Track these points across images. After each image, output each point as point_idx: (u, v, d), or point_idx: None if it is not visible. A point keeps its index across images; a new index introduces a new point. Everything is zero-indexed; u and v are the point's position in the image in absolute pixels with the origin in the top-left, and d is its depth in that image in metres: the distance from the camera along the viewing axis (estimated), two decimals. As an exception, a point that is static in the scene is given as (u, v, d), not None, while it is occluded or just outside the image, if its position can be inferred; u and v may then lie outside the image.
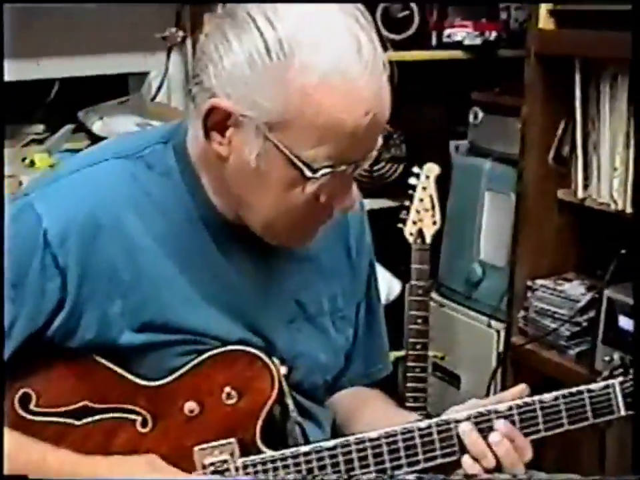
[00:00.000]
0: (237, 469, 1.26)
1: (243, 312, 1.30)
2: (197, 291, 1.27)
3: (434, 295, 2.50)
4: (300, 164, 1.15)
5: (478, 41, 2.30)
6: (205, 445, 1.26)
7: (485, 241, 2.38)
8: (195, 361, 1.27)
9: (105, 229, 1.21)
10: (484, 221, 2.37)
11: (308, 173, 1.15)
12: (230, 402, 1.27)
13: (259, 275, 1.32)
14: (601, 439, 2.09)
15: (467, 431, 1.27)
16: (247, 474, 1.25)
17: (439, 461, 1.28)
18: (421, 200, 2.22)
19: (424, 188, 2.21)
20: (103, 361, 1.26)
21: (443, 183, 2.24)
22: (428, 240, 2.21)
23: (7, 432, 1.19)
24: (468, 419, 1.28)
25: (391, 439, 1.27)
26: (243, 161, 1.18)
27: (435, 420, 1.29)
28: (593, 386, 1.30)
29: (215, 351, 1.27)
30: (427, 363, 2.18)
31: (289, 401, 1.31)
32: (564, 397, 1.29)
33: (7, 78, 1.90)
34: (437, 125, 2.57)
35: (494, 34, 2.34)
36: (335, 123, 1.13)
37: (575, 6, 2.00)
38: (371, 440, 1.27)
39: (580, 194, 2.13)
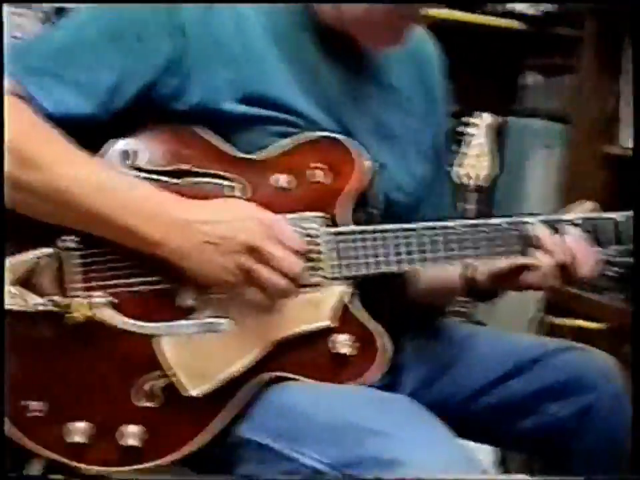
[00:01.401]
0: (325, 236, 1.30)
1: (336, 111, 1.39)
2: (297, 81, 1.35)
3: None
4: None
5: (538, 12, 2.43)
6: (295, 215, 1.31)
7: (535, 194, 2.46)
8: (293, 139, 1.34)
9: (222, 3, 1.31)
10: (534, 175, 2.45)
11: None
12: (322, 180, 1.33)
13: (351, 86, 1.42)
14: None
15: (543, 229, 1.33)
16: (335, 242, 1.30)
17: (516, 254, 1.33)
18: (478, 145, 2.31)
19: (482, 135, 2.31)
20: (204, 131, 1.33)
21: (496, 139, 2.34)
22: (483, 183, 2.29)
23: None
24: (542, 221, 1.34)
25: (466, 229, 1.33)
26: None
27: (514, 219, 1.35)
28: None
29: (312, 134, 1.35)
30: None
31: (378, 193, 1.38)
32: None
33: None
34: (489, 86, 2.68)
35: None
36: None
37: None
38: (456, 227, 1.33)
39: (627, 143, 2.22)
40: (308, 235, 1.30)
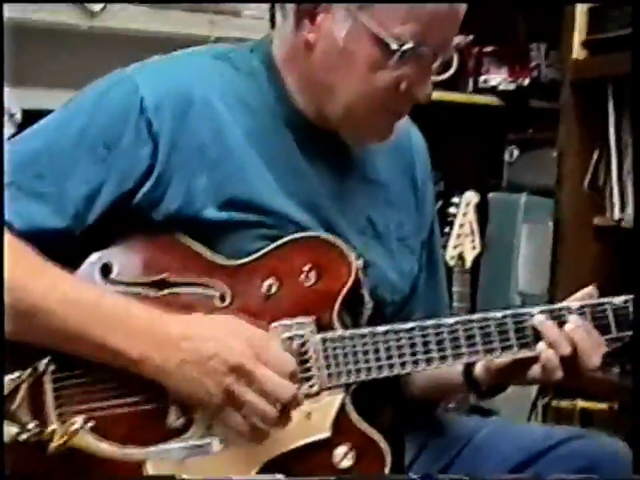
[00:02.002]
0: (315, 344, 1.24)
1: (321, 211, 1.34)
2: (279, 183, 1.31)
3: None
4: (388, 38, 1.22)
5: (512, 87, 2.43)
6: (283, 322, 1.25)
7: (523, 270, 2.42)
8: (277, 243, 1.29)
9: (197, 107, 1.27)
10: (521, 252, 2.41)
11: (394, 46, 1.23)
12: (308, 283, 1.28)
13: (335, 184, 1.37)
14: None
15: (542, 320, 1.28)
16: (325, 349, 1.24)
17: (515, 350, 1.28)
18: (461, 225, 2.28)
19: (464, 214, 2.27)
20: (184, 238, 1.27)
21: (480, 216, 2.30)
22: (468, 264, 2.25)
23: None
24: (541, 312, 1.29)
25: (467, 325, 1.28)
26: (331, 43, 1.25)
27: (510, 311, 1.29)
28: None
29: (296, 235, 1.30)
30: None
31: (365, 292, 1.32)
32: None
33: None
34: (473, 163, 2.66)
35: (527, 80, 2.47)
36: (418, 4, 1.22)
37: (605, 34, 2.13)
38: (449, 325, 1.27)
39: (616, 215, 2.19)
40: (299, 344, 1.23)
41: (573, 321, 1.28)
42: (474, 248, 2.26)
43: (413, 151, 1.48)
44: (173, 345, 1.15)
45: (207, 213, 1.26)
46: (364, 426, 1.24)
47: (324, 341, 1.24)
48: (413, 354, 1.26)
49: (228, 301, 1.26)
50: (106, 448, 1.17)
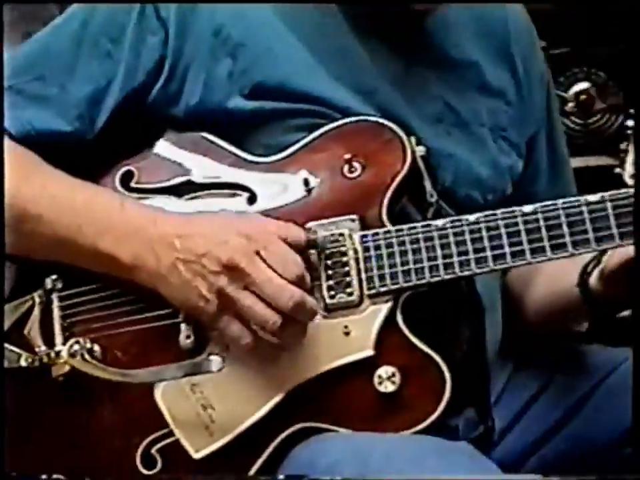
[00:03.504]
0: (353, 242, 1.01)
1: (375, 96, 1.11)
2: (320, 65, 1.10)
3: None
4: None
5: None
6: (321, 221, 1.03)
7: None
8: (315, 133, 1.07)
9: None
10: None
11: None
12: (352, 175, 1.05)
13: (398, 66, 1.15)
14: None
15: None
16: (367, 249, 1.01)
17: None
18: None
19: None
20: (211, 137, 1.10)
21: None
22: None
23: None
24: None
25: (550, 214, 0.99)
26: None
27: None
28: None
29: (336, 123, 1.08)
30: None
31: (427, 184, 1.06)
32: None
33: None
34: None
35: None
36: None
37: None
38: (524, 214, 0.99)
39: None
40: (333, 243, 1.00)
41: None
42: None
43: (510, 28, 1.20)
44: (167, 243, 0.98)
45: (233, 103, 1.08)
46: (418, 343, 0.98)
47: (364, 238, 1.00)
48: (477, 250, 0.98)
49: (258, 201, 1.06)
50: (102, 369, 1.00)
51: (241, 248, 0.95)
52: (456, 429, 1.06)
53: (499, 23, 1.21)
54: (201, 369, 0.97)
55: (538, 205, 0.99)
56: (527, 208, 1.00)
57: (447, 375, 0.97)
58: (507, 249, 0.99)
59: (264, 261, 0.95)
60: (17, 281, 1.10)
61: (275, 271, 0.95)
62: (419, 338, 1.00)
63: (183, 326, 1.01)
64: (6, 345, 1.06)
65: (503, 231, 0.99)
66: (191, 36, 1.08)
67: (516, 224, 0.99)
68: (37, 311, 1.07)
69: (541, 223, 0.98)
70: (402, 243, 1.01)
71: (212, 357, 0.97)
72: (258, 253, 0.95)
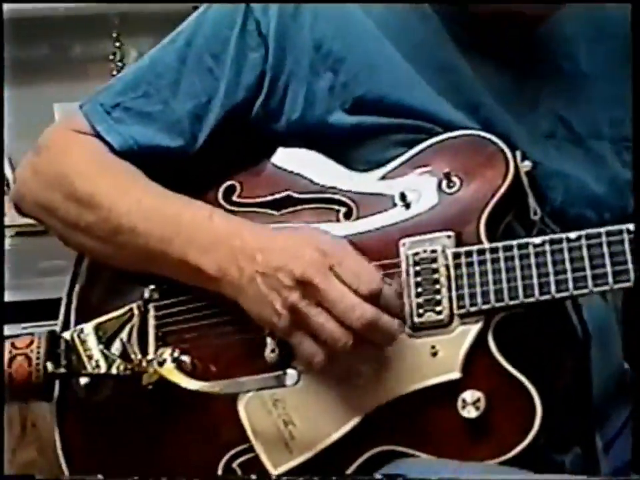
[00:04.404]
0: (445, 258, 0.97)
1: (481, 110, 1.07)
2: (422, 78, 1.07)
3: None
4: None
5: None
6: (416, 238, 0.99)
7: None
8: (414, 149, 1.04)
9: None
10: None
11: None
12: (450, 190, 1.01)
13: (505, 79, 1.09)
14: None
15: None
16: (458, 266, 0.96)
17: None
18: None
19: None
20: (313, 152, 1.09)
21: None
22: None
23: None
24: None
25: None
26: None
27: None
28: None
29: (437, 137, 1.04)
30: None
31: (531, 201, 1.01)
32: None
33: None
34: None
35: None
36: None
37: None
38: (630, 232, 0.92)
39: None
40: (422, 260, 0.97)
41: None
42: None
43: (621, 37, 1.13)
44: (248, 256, 0.97)
45: (334, 118, 1.07)
46: (509, 368, 0.92)
47: (457, 255, 0.96)
48: (575, 270, 0.91)
49: (354, 216, 1.03)
50: (185, 380, 1.00)
51: (315, 263, 0.92)
52: (562, 465, 0.99)
53: (621, 30, 1.13)
54: (277, 383, 0.94)
55: (650, 222, 0.91)
56: (633, 226, 0.92)
57: (538, 402, 0.90)
58: (608, 269, 0.91)
59: (338, 277, 0.92)
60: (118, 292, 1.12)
61: (350, 287, 0.91)
62: (513, 364, 0.93)
63: (268, 339, 0.99)
64: (104, 352, 1.08)
65: (605, 250, 0.91)
66: (291, 51, 1.08)
67: (622, 242, 0.91)
68: (135, 321, 1.09)
69: None
70: (496, 261, 0.95)
71: (289, 371, 0.94)
72: (332, 269, 0.92)
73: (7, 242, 1.94)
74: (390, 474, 0.89)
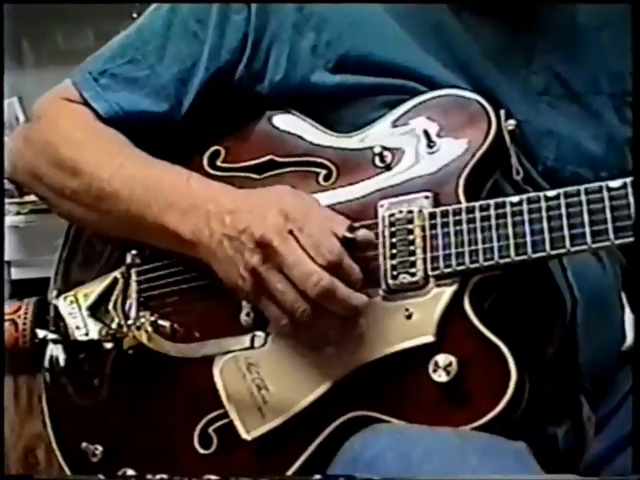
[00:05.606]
0: (422, 219, 0.94)
1: (468, 66, 1.04)
2: (409, 36, 1.04)
3: None
4: None
5: None
6: (393, 199, 0.97)
7: None
8: (398, 109, 1.02)
9: None
10: None
11: None
12: (430, 150, 0.98)
13: (498, 37, 1.06)
14: None
15: None
16: (433, 226, 0.93)
17: None
18: None
19: None
20: (294, 114, 1.08)
21: None
22: None
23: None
24: None
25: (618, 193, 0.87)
26: None
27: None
28: None
29: (420, 97, 1.01)
30: None
31: (513, 161, 0.97)
32: None
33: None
34: None
35: None
36: None
37: None
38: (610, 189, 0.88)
39: None
40: (398, 221, 0.94)
41: None
42: None
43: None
44: (219, 219, 0.95)
45: (317, 77, 1.05)
46: (485, 332, 0.89)
47: (433, 216, 0.93)
48: (552, 230, 0.88)
49: (334, 178, 1.01)
50: (160, 343, 0.99)
51: (276, 225, 0.90)
52: (555, 438, 0.95)
53: None
54: (246, 345, 0.92)
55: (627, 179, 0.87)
56: (614, 183, 0.88)
57: (513, 368, 0.87)
58: (587, 228, 0.87)
59: (298, 242, 0.89)
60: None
61: (308, 254, 0.89)
62: (492, 329, 0.90)
63: (243, 303, 0.98)
64: (89, 318, 1.08)
65: (584, 208, 0.88)
66: (274, 12, 1.06)
67: (601, 200, 0.87)
68: (119, 287, 1.08)
69: (630, 199, 0.86)
70: (472, 221, 0.92)
71: (257, 333, 0.92)
72: (292, 233, 0.90)
73: (22, 219, 1.96)
74: (331, 475, 0.86)
